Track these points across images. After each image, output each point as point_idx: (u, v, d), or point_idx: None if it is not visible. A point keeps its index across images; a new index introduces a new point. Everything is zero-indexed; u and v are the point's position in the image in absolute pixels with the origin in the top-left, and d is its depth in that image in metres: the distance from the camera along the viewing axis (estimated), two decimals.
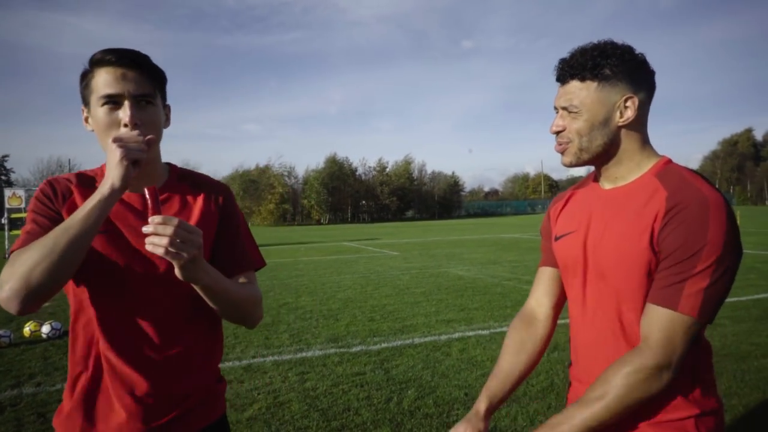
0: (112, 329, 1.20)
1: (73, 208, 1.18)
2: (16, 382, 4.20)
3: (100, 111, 1.16)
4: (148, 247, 1.02)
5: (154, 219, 1.01)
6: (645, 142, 1.18)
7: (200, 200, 1.30)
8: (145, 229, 1.02)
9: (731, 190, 78.83)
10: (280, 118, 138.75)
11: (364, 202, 66.21)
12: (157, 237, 1.01)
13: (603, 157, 1.18)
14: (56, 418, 1.25)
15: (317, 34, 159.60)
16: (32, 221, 1.15)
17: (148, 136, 1.13)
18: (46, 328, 5.53)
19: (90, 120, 1.21)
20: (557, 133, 1.20)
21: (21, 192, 17.08)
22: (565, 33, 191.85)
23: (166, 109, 1.28)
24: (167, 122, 1.29)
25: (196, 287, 1.14)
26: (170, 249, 1.00)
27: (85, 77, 1.19)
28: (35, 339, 5.48)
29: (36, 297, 1.02)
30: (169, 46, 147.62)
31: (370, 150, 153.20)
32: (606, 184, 1.22)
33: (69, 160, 59.70)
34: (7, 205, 16.49)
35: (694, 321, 1.04)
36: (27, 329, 5.59)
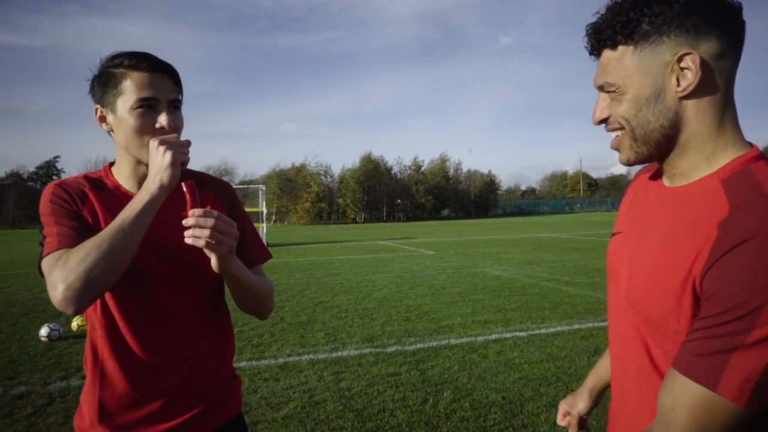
0: (131, 330, 1.21)
1: (92, 209, 1.21)
2: (64, 374, 4.36)
3: (132, 113, 1.17)
4: (188, 240, 1.06)
5: (194, 212, 1.06)
6: (723, 122, 0.84)
7: (209, 199, 1.32)
8: (187, 222, 1.06)
9: None
10: (316, 118, 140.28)
11: (399, 200, 66.30)
12: (198, 229, 1.05)
13: (665, 147, 0.87)
14: (76, 419, 1.27)
15: (353, 33, 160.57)
16: (56, 223, 1.14)
17: (187, 140, 1.18)
18: None
19: (109, 119, 1.22)
20: (602, 121, 0.91)
21: None
22: None
23: None
24: None
25: (225, 278, 1.19)
26: (210, 241, 1.05)
27: (111, 78, 1.19)
28: (82, 333, 5.67)
29: (93, 296, 1.05)
30: (209, 48, 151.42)
31: (405, 148, 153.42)
32: (666, 180, 0.93)
33: (115, 159, 61.63)
34: None
35: (740, 410, 0.72)
36: (75, 324, 5.81)
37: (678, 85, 0.82)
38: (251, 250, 1.35)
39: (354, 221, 60.68)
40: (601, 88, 0.89)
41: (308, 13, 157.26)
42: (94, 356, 1.23)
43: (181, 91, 1.24)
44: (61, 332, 5.56)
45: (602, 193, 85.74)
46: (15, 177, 64.12)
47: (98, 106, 1.23)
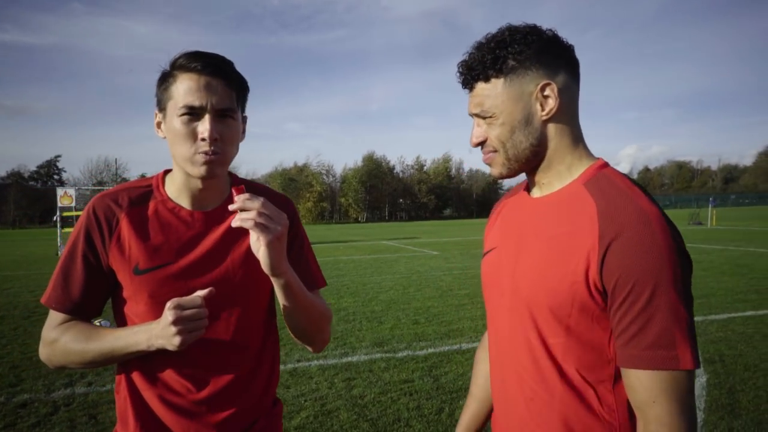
0: (172, 362, 1.12)
1: (120, 242, 1.12)
2: (68, 381, 4.25)
3: (177, 120, 1.07)
4: (235, 223, 1.00)
5: (241, 197, 1.00)
6: (577, 138, 1.02)
7: None
8: (233, 207, 1.00)
9: None
10: (321, 117, 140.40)
11: (401, 200, 66.27)
12: (245, 212, 1.00)
13: (533, 162, 1.02)
14: None
15: (360, 32, 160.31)
16: (63, 273, 1.14)
17: (204, 309, 1.04)
18: None
19: (163, 126, 1.12)
20: (479, 144, 1.04)
21: (72, 191, 17.76)
22: (615, 22, 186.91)
23: (243, 120, 1.18)
24: (242, 135, 1.18)
25: (276, 286, 1.07)
26: (259, 221, 0.99)
27: (165, 80, 1.09)
28: None
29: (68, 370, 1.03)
30: (215, 47, 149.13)
31: (409, 148, 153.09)
32: (535, 192, 1.08)
33: (116, 159, 61.96)
34: (59, 204, 17.17)
35: (693, 372, 0.86)
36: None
37: (542, 110, 0.98)
38: (310, 274, 1.24)
39: (356, 221, 60.63)
40: (476, 116, 1.02)
41: (315, 12, 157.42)
42: (128, 385, 1.14)
43: (236, 97, 1.12)
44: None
45: None
46: (16, 176, 64.14)
47: (157, 111, 1.13)
